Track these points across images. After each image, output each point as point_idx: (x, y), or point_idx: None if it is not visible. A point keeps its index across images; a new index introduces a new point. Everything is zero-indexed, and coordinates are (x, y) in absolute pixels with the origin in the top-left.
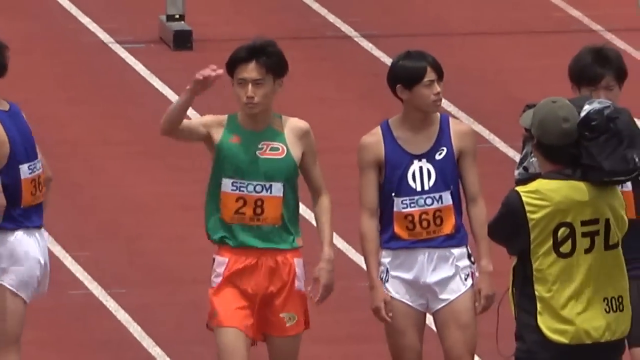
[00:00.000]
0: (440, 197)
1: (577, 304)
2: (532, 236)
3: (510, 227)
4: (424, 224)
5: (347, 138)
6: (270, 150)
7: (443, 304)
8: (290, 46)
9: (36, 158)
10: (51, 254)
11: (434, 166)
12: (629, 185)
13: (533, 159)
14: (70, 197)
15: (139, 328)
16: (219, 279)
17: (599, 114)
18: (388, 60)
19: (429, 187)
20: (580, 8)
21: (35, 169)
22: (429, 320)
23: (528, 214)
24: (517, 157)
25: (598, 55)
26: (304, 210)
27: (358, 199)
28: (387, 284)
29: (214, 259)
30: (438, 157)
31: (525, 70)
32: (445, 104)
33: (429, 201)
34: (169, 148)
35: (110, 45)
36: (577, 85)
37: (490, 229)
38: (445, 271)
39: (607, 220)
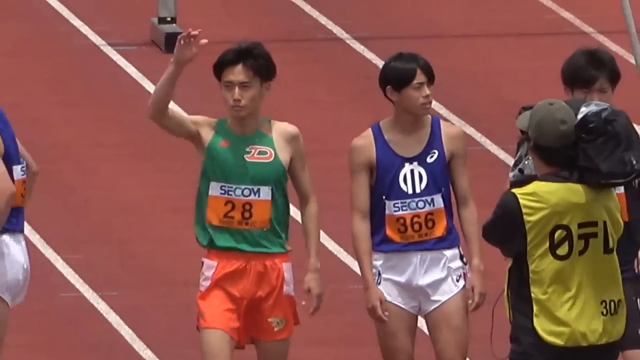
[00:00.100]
0: (432, 200)
1: (574, 306)
2: (528, 238)
3: (507, 229)
4: (416, 226)
5: (338, 140)
6: (258, 154)
7: (435, 306)
8: (282, 48)
9: (23, 161)
10: (43, 257)
11: (425, 169)
12: (621, 188)
13: (528, 161)
14: (62, 199)
15: (130, 331)
16: (208, 283)
17: (596, 116)
18: (380, 63)
19: (421, 190)
20: (572, 10)
21: (24, 171)
22: (421, 323)
23: (525, 216)
24: (508, 160)
25: (592, 58)
26: (295, 213)
27: (349, 201)
28: (379, 287)
29: (202, 263)
30: (429, 160)
31: (517, 73)
32: (436, 106)
33: (420, 204)
34: (161, 150)
35: (102, 47)
36: (570, 87)
37: (486, 230)
38: (438, 273)
39: (604, 223)
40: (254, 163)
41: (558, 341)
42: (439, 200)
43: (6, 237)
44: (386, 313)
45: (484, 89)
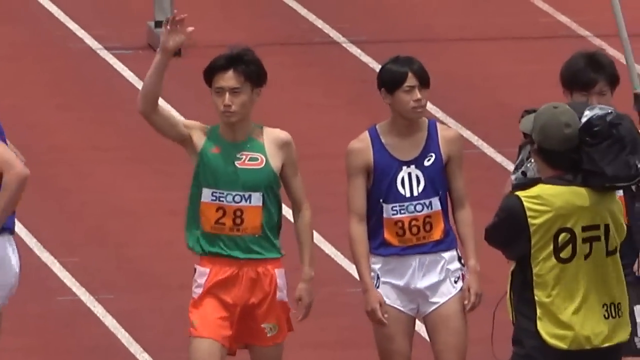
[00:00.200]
0: (430, 203)
1: (577, 310)
2: (532, 241)
3: (511, 232)
4: (414, 230)
5: (335, 144)
6: (249, 160)
7: (433, 307)
8: (279, 52)
9: None
10: (39, 260)
11: (422, 172)
12: (619, 192)
13: (530, 163)
14: (59, 202)
15: (127, 334)
16: (200, 290)
17: (601, 120)
18: (376, 66)
19: (418, 193)
20: (568, 14)
21: None
22: (419, 326)
23: (529, 219)
24: (505, 163)
25: (591, 60)
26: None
27: (346, 204)
28: (378, 290)
29: (195, 269)
30: (427, 163)
31: (513, 76)
32: (433, 109)
33: (418, 207)
34: (158, 153)
35: (98, 51)
36: (569, 90)
37: (488, 233)
38: (436, 275)
39: (607, 226)
40: (245, 169)
41: (561, 344)
42: (436, 203)
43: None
44: (386, 315)
45: (480, 92)
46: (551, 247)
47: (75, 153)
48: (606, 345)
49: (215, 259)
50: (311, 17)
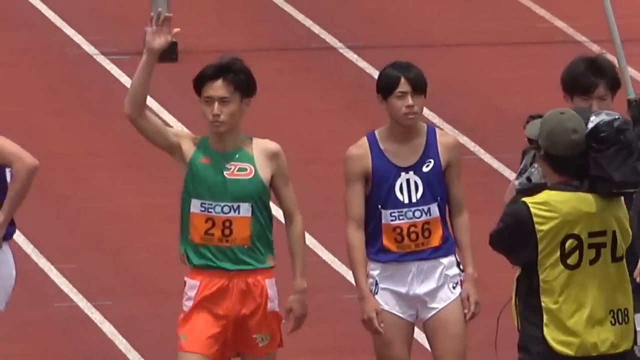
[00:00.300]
0: (429, 209)
1: (584, 316)
2: (539, 248)
3: (517, 238)
4: (413, 236)
5: (332, 149)
6: (237, 170)
7: (432, 313)
8: (276, 57)
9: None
10: (36, 266)
11: (421, 178)
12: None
13: (534, 169)
14: (56, 208)
15: (125, 340)
16: (191, 303)
17: (608, 126)
18: (373, 72)
19: (417, 200)
20: (565, 19)
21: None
22: (417, 333)
23: (536, 226)
24: (502, 169)
25: (592, 65)
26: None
27: (343, 210)
28: (376, 296)
29: (185, 282)
30: (425, 169)
31: (510, 82)
32: (429, 115)
33: (417, 214)
34: (155, 159)
35: (95, 57)
36: (570, 94)
37: (493, 238)
38: (435, 281)
39: (614, 232)
40: (234, 180)
41: (568, 351)
42: (435, 209)
43: None
44: (382, 325)
45: (476, 97)
46: (558, 253)
47: (72, 159)
48: (613, 351)
49: (204, 270)
50: (308, 23)
